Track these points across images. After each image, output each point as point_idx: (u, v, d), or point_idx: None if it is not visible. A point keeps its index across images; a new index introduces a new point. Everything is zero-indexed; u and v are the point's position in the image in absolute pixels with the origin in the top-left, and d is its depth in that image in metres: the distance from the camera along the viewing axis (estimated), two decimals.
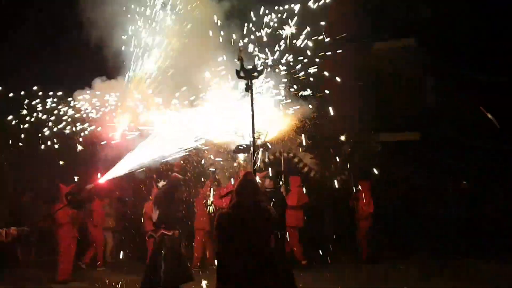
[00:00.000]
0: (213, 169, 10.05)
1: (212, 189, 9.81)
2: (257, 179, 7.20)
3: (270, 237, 4.32)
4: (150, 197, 9.89)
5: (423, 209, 11.30)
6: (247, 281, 4.00)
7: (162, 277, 6.60)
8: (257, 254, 4.07)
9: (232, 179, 9.84)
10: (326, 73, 8.70)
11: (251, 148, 5.82)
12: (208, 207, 9.83)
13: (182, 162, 7.78)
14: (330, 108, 8.99)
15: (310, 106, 8.39)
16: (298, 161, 11.61)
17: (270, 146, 7.92)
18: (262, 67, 5.38)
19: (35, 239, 10.33)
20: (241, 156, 9.07)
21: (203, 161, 9.95)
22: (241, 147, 7.94)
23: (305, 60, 8.01)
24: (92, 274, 9.60)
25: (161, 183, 7.63)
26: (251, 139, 5.48)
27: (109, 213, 10.74)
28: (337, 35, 8.63)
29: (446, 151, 11.07)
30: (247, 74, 5.24)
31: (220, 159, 9.92)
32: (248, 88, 5.19)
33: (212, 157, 9.76)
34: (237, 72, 5.27)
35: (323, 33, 8.31)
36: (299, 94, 8.16)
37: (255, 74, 5.24)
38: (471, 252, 9.85)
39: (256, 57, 7.58)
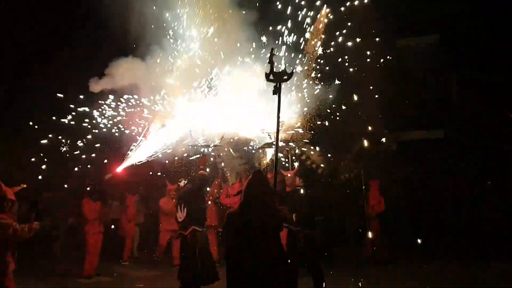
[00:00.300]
0: (222, 165, 9.96)
1: (220, 187, 9.83)
2: (287, 176, 7.30)
3: (278, 236, 4.36)
4: (171, 195, 10.09)
5: (445, 210, 11.19)
6: (255, 279, 4.05)
7: (198, 274, 6.63)
8: (264, 253, 4.11)
9: (241, 178, 9.85)
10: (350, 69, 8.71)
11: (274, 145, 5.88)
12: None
13: (206, 158, 7.64)
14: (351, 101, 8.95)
15: (331, 96, 8.36)
16: (305, 159, 11.44)
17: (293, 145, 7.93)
18: (292, 69, 5.36)
19: (63, 235, 10.56)
20: (269, 155, 8.93)
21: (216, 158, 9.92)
22: (267, 144, 7.99)
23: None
24: (116, 269, 9.82)
25: (182, 182, 7.66)
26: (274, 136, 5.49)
27: (139, 209, 10.93)
28: (362, 33, 8.58)
29: (471, 150, 10.94)
30: (277, 77, 5.25)
31: (235, 155, 9.84)
32: (277, 91, 5.19)
33: (222, 154, 9.73)
34: (267, 75, 5.28)
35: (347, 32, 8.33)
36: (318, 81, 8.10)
37: (285, 77, 5.25)
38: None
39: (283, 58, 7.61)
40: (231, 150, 9.54)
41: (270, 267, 4.10)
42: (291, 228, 6.87)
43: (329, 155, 10.69)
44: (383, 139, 10.96)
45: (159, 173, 10.26)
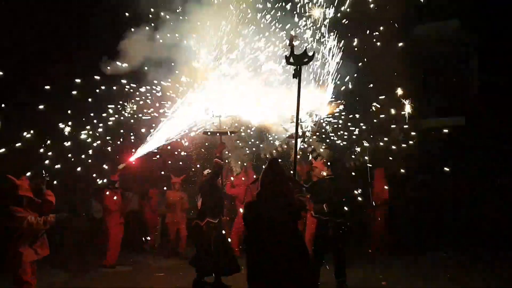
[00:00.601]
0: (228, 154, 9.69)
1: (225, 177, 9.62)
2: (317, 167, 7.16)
3: (296, 225, 4.30)
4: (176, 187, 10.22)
5: (465, 202, 10.87)
6: (274, 271, 3.98)
7: (216, 265, 6.64)
8: (282, 244, 4.03)
9: (246, 168, 9.87)
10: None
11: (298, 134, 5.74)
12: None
13: (224, 146, 7.46)
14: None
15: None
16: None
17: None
18: (313, 52, 5.25)
19: (84, 226, 10.68)
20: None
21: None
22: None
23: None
24: (137, 259, 9.90)
25: (206, 171, 7.65)
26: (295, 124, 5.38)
27: (161, 200, 11.02)
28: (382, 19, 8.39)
29: (493, 137, 10.62)
30: (297, 60, 5.15)
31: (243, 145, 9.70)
32: (297, 74, 5.10)
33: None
34: (287, 58, 5.19)
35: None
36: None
37: (306, 60, 5.15)
38: None
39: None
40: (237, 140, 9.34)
41: (289, 258, 4.02)
42: (321, 218, 6.87)
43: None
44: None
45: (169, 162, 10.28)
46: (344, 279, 6.69)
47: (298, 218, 4.40)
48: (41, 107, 8.50)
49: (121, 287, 7.72)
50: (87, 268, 8.86)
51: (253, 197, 5.46)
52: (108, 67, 8.04)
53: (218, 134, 7.54)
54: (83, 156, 8.42)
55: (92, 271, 8.72)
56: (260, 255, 4.08)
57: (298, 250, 4.13)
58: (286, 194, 4.27)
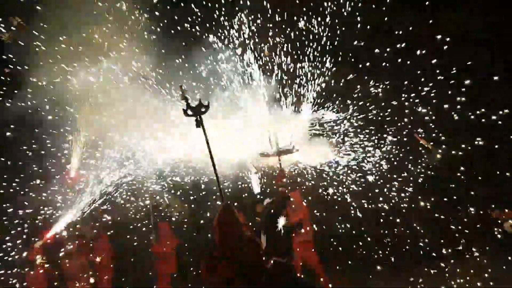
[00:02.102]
0: None
1: None
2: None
3: None
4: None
5: None
6: None
7: None
8: None
9: None
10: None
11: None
12: None
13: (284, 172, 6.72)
14: None
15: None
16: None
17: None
18: (207, 101, 5.33)
19: None
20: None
21: None
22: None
23: None
24: None
25: (266, 201, 6.56)
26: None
27: None
28: None
29: None
30: (195, 111, 5.19)
31: None
32: (199, 124, 5.13)
33: None
34: (184, 111, 5.19)
35: None
36: None
37: (203, 109, 5.21)
38: None
39: None
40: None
41: None
42: None
43: None
44: None
45: None
46: None
47: None
48: None
49: None
50: None
51: None
52: None
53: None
54: None
55: None
56: None
57: None
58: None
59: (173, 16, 8.25)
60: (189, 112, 5.16)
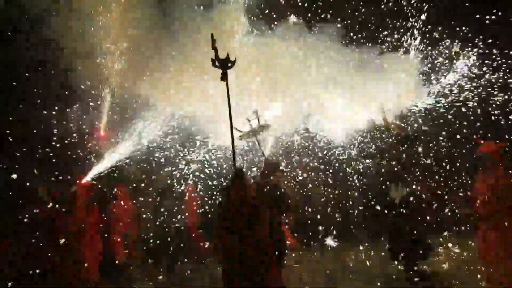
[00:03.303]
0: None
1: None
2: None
3: None
4: None
5: None
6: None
7: None
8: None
9: None
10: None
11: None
12: None
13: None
14: None
15: None
16: None
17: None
18: (234, 58, 5.62)
19: None
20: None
21: None
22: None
23: None
24: None
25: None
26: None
27: None
28: None
29: None
30: (222, 64, 5.50)
31: None
32: (224, 78, 5.46)
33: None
34: (213, 61, 5.48)
35: None
36: None
37: (229, 64, 5.53)
38: None
39: None
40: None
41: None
42: None
43: None
44: None
45: None
46: None
47: None
48: None
49: None
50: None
51: None
52: None
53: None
54: None
55: None
56: None
57: None
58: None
59: None
60: (217, 63, 5.46)
